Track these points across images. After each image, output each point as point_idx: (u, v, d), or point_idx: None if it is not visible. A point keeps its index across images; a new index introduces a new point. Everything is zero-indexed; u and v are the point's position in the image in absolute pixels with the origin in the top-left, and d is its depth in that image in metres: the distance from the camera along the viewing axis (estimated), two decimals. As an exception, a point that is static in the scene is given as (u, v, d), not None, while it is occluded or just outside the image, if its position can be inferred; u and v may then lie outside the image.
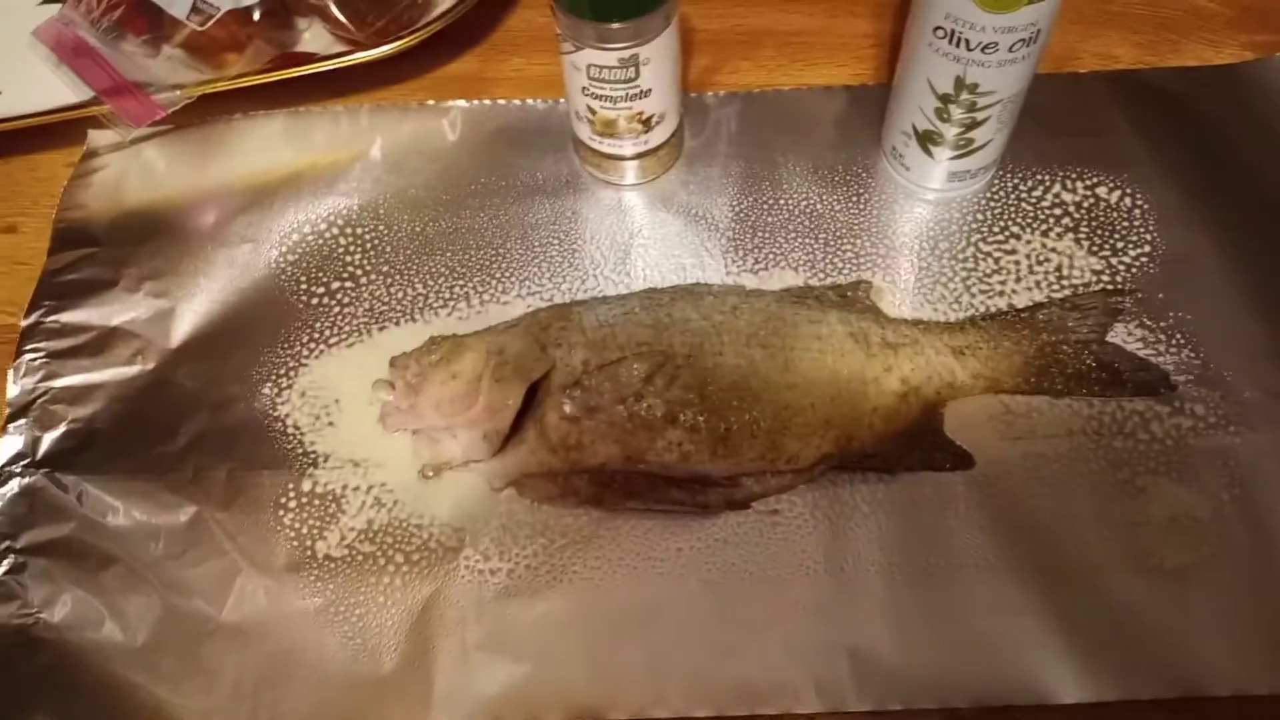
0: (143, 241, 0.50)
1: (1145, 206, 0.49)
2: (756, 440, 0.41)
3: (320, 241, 0.50)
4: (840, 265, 0.48)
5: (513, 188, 0.51)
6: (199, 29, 0.51)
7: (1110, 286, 0.46)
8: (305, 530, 0.42)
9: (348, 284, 0.48)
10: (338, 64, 0.53)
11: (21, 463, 0.43)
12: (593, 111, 0.46)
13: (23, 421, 0.44)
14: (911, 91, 0.45)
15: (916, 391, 0.43)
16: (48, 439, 0.44)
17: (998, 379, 0.43)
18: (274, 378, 0.46)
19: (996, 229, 0.49)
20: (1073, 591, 0.39)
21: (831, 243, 0.49)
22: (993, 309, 0.46)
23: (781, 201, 0.50)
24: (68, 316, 0.47)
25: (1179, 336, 0.45)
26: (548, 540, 0.41)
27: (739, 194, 0.50)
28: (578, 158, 0.52)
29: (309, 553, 0.41)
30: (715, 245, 0.49)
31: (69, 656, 0.39)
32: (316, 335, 0.47)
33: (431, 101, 0.54)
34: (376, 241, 0.50)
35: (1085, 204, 0.49)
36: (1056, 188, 0.50)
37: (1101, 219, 0.49)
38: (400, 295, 0.48)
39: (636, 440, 0.41)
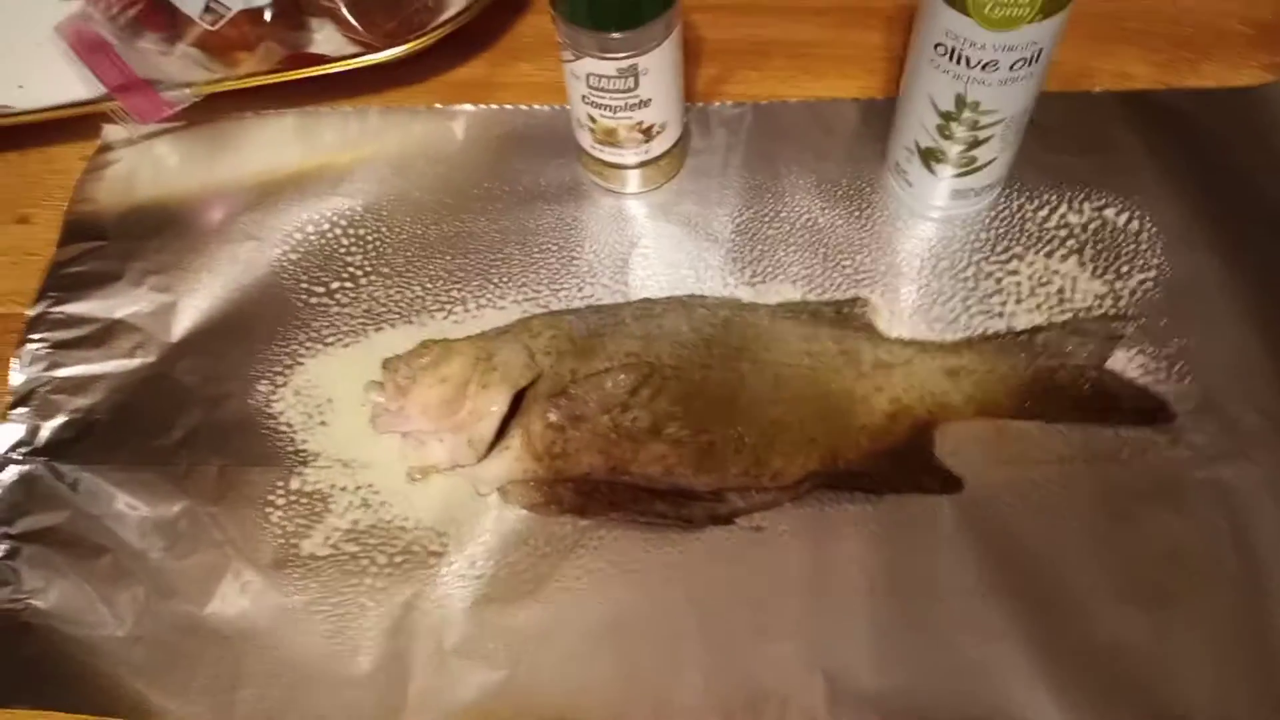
0: (150, 236, 0.50)
1: (1153, 230, 0.48)
2: (741, 455, 0.41)
3: (323, 241, 0.50)
4: (839, 281, 0.47)
5: (515, 193, 0.51)
6: (210, 28, 0.52)
7: (1113, 311, 0.45)
8: (292, 528, 0.42)
9: (347, 284, 0.49)
10: (348, 66, 0.53)
11: (22, 450, 0.44)
12: (593, 120, 0.46)
13: (25, 409, 0.45)
14: (914, 108, 0.45)
15: (908, 412, 0.42)
16: (47, 427, 0.45)
17: (991, 402, 0.43)
18: (270, 375, 0.46)
19: (999, 249, 0.48)
20: (1058, 619, 0.39)
21: (831, 258, 0.48)
22: (991, 330, 0.45)
23: (783, 214, 0.50)
24: (72, 308, 0.48)
25: (1181, 364, 0.44)
26: (530, 548, 0.41)
27: (741, 205, 0.50)
28: (580, 165, 0.52)
29: (294, 550, 0.42)
30: (714, 256, 0.48)
31: (55, 643, 0.40)
32: (314, 334, 0.47)
33: (439, 105, 0.54)
34: (378, 243, 0.50)
35: (1091, 225, 0.48)
36: (1063, 208, 0.49)
37: (1108, 241, 0.48)
38: (399, 297, 0.48)
39: (621, 451, 0.41)
